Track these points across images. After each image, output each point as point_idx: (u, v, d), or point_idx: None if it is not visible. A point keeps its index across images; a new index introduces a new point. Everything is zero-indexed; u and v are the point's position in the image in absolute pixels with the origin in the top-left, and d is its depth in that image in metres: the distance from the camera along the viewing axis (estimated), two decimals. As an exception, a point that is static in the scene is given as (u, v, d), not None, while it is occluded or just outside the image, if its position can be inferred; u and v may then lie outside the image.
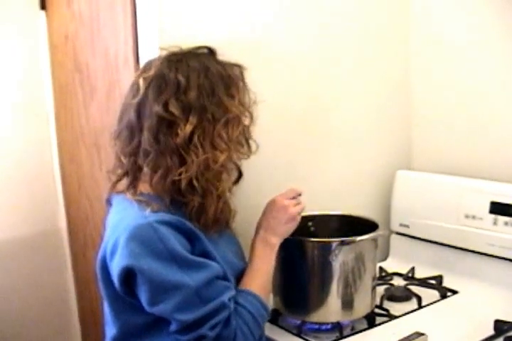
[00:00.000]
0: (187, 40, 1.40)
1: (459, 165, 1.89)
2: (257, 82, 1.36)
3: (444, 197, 1.82)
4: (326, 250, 1.42)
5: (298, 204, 1.39)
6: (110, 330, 1.30)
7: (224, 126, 1.22)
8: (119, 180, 1.29)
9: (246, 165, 1.42)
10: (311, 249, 1.45)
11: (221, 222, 1.29)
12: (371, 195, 2.00)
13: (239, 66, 1.30)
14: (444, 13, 1.89)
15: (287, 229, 1.37)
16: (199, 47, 1.31)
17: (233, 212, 1.35)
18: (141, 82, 1.22)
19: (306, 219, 1.62)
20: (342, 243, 1.41)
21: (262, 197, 1.43)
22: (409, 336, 1.34)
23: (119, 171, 1.28)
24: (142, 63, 1.55)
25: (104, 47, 1.75)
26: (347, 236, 1.43)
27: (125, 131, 1.24)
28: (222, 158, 1.21)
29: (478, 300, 1.63)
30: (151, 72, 1.22)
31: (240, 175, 1.39)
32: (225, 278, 1.22)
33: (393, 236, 1.98)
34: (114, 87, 1.72)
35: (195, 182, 1.19)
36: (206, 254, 1.21)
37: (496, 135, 1.82)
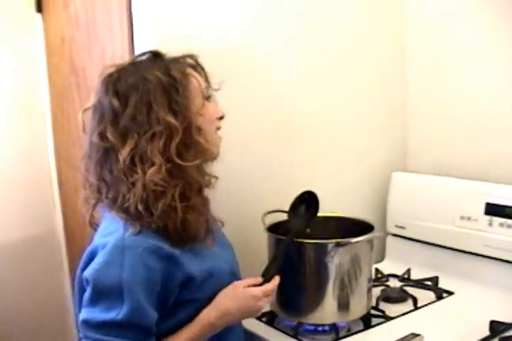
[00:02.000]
0: (183, 42, 1.41)
1: (455, 167, 1.90)
2: (251, 84, 1.36)
3: (440, 198, 1.82)
4: (322, 251, 1.42)
5: (267, 296, 1.29)
6: None
7: (166, 139, 1.15)
8: (94, 207, 1.27)
9: (241, 172, 1.42)
10: (307, 251, 1.45)
11: (193, 235, 1.22)
12: (367, 196, 2.00)
13: (189, 56, 1.27)
14: (441, 10, 1.90)
15: (243, 318, 1.34)
16: (141, 54, 1.28)
17: (211, 221, 1.30)
18: (80, 115, 1.24)
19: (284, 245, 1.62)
20: (338, 244, 1.41)
21: (259, 203, 1.44)
22: (405, 337, 1.34)
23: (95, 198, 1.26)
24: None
25: (100, 51, 1.75)
26: (343, 238, 1.44)
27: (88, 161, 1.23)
28: (156, 176, 1.14)
29: (474, 301, 1.63)
30: (92, 101, 1.21)
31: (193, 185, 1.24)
32: (148, 331, 1.15)
33: (389, 238, 1.99)
34: (111, 90, 1.72)
35: (139, 206, 1.14)
36: (188, 279, 1.20)
37: (492, 136, 1.83)
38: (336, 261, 1.42)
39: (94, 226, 1.31)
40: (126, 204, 1.16)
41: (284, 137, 1.77)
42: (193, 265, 1.21)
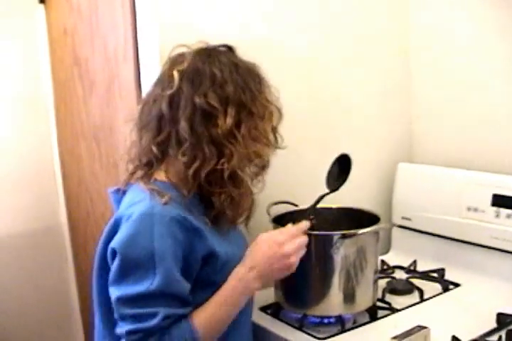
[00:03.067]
0: (187, 34, 1.40)
1: (461, 158, 1.88)
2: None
3: (446, 189, 1.81)
4: (327, 243, 1.41)
5: (300, 250, 1.28)
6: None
7: (261, 119, 1.25)
8: (138, 169, 1.29)
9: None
10: (312, 242, 1.42)
11: (244, 215, 1.31)
12: (372, 187, 1.99)
13: (256, 65, 1.32)
14: (445, 7, 1.88)
15: (277, 277, 1.31)
16: (219, 46, 1.31)
17: (255, 206, 1.34)
18: (175, 73, 1.22)
19: (307, 211, 1.62)
20: (344, 236, 1.40)
21: (263, 194, 1.43)
22: (411, 329, 1.33)
23: (143, 160, 1.28)
24: (142, 57, 1.56)
25: (103, 42, 1.74)
26: (348, 229, 1.43)
27: (154, 121, 1.24)
28: (265, 151, 1.26)
29: (481, 293, 1.62)
30: (185, 65, 1.23)
31: (267, 164, 1.36)
32: (184, 300, 1.16)
33: (395, 229, 1.97)
34: (114, 82, 1.71)
35: (240, 173, 1.22)
36: (211, 253, 1.20)
37: (498, 127, 1.81)
38: (342, 252, 1.41)
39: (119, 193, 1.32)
40: (216, 167, 1.19)
41: (288, 127, 1.75)
42: (216, 241, 1.22)
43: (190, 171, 1.20)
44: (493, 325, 1.41)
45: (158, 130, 1.24)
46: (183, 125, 1.20)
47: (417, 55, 1.99)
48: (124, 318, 1.13)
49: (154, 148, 1.24)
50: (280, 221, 1.51)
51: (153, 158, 1.25)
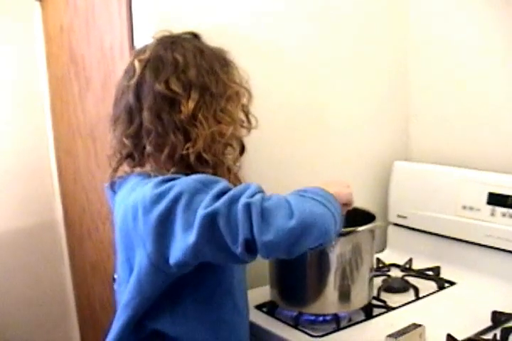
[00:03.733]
0: (183, 30, 1.39)
1: (457, 156, 1.89)
2: (257, 75, 1.36)
3: (442, 188, 1.81)
4: (323, 241, 1.41)
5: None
6: (126, 309, 1.24)
7: (224, 100, 1.24)
8: (120, 163, 1.29)
9: (243, 161, 1.42)
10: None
11: None
12: (368, 185, 1.99)
13: (225, 50, 1.31)
14: (443, 8, 1.88)
15: (342, 195, 1.24)
16: (184, 33, 1.32)
17: (242, 182, 1.31)
18: (136, 63, 1.22)
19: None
20: (339, 234, 1.39)
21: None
22: (406, 327, 1.33)
23: (121, 154, 1.27)
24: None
25: (99, 39, 1.74)
26: (344, 228, 1.42)
27: (124, 113, 1.24)
28: (228, 130, 1.23)
29: (476, 292, 1.62)
30: (147, 54, 1.23)
31: (243, 148, 1.34)
32: None
33: (390, 227, 1.98)
34: (110, 79, 1.71)
35: (204, 155, 1.20)
36: None
37: (494, 126, 1.81)
38: (338, 250, 1.41)
39: (114, 188, 1.31)
40: (182, 152, 1.18)
41: (284, 126, 1.75)
42: None
43: (162, 158, 1.20)
44: (489, 323, 1.41)
45: (128, 122, 1.23)
46: (146, 114, 1.19)
47: (414, 54, 1.99)
48: (231, 201, 1.04)
49: (127, 141, 1.24)
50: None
51: (130, 151, 1.25)
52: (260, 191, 1.08)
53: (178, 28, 1.44)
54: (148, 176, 1.21)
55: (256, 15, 1.66)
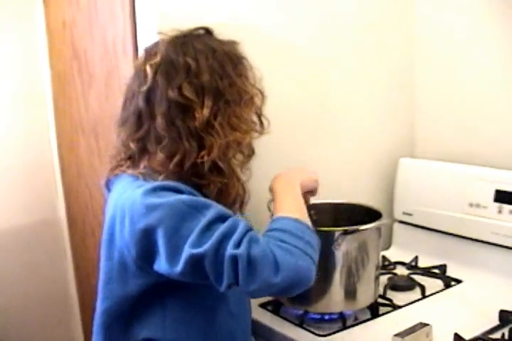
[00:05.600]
0: (186, 25, 1.37)
1: (463, 153, 1.87)
2: (264, 73, 1.34)
3: (448, 185, 1.80)
4: (328, 239, 1.39)
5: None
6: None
7: (240, 106, 1.21)
8: (120, 165, 1.27)
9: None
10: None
11: (237, 203, 1.27)
12: (374, 182, 1.98)
13: (237, 43, 1.28)
14: (449, 5, 1.87)
15: (306, 182, 1.35)
16: (196, 29, 1.28)
17: (248, 194, 1.30)
18: (148, 68, 1.19)
19: (308, 207, 1.60)
20: (345, 232, 1.38)
21: (264, 190, 1.41)
22: (413, 326, 1.32)
23: (122, 156, 1.27)
24: (141, 49, 1.53)
25: (102, 34, 1.72)
26: (350, 225, 1.41)
27: (133, 117, 1.22)
28: (245, 140, 1.22)
29: (483, 290, 1.61)
30: (158, 58, 1.19)
31: (252, 152, 1.33)
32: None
33: (396, 225, 1.96)
34: (113, 75, 1.70)
35: (220, 164, 1.19)
36: None
37: (501, 122, 1.80)
38: (343, 249, 1.40)
39: (108, 186, 1.31)
40: (196, 160, 1.17)
41: (290, 123, 1.74)
42: None
43: (171, 166, 1.18)
44: (496, 322, 1.40)
45: (137, 126, 1.22)
46: (160, 121, 1.17)
47: (420, 50, 1.97)
48: (215, 244, 1.05)
49: (132, 145, 1.22)
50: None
51: (133, 154, 1.24)
52: (248, 231, 1.08)
53: (181, 24, 1.43)
54: (138, 178, 1.19)
55: (261, 10, 1.65)
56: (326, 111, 1.83)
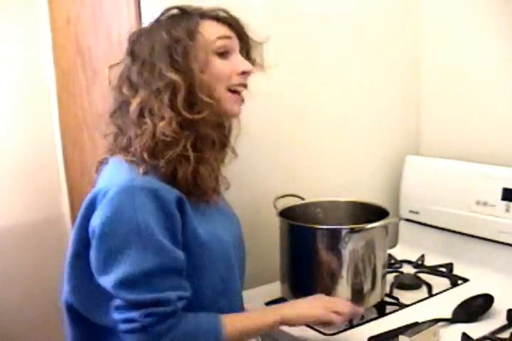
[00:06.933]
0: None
1: (469, 151, 1.86)
2: (271, 73, 1.34)
3: (455, 183, 1.78)
4: (335, 237, 1.38)
5: (347, 315, 1.30)
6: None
7: (171, 94, 1.18)
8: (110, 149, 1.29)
9: (253, 155, 1.41)
10: (319, 237, 1.41)
11: (202, 187, 1.22)
12: (380, 180, 1.97)
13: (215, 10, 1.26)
14: (455, 4, 1.85)
15: (309, 314, 1.27)
16: (167, 10, 1.26)
17: (219, 183, 1.31)
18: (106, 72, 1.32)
19: (314, 205, 1.60)
20: (352, 230, 1.37)
21: (270, 187, 1.41)
22: (420, 325, 1.31)
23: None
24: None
25: (106, 30, 1.71)
26: (356, 223, 1.40)
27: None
28: (170, 128, 1.17)
29: (490, 289, 1.59)
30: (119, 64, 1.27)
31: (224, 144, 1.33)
32: (182, 275, 1.14)
33: (402, 223, 1.95)
34: (118, 71, 1.68)
35: (145, 154, 1.17)
36: (193, 234, 1.17)
37: (508, 120, 1.78)
38: (350, 247, 1.39)
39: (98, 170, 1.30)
40: (132, 149, 1.18)
41: (296, 120, 1.73)
42: (197, 220, 1.19)
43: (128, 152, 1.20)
44: (504, 321, 1.39)
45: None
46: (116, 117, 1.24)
47: (425, 48, 1.96)
48: (130, 303, 1.08)
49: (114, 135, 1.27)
50: (287, 214, 1.49)
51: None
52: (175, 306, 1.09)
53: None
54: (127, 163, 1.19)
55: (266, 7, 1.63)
56: (331, 110, 1.82)
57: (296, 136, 1.74)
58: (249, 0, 1.60)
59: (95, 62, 1.82)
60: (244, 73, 1.25)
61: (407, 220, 1.93)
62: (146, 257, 1.08)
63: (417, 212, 1.89)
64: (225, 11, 1.27)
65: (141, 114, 1.18)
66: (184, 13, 1.25)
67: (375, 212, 1.50)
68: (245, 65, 1.25)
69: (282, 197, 1.55)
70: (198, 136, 1.20)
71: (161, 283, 1.09)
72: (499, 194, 1.67)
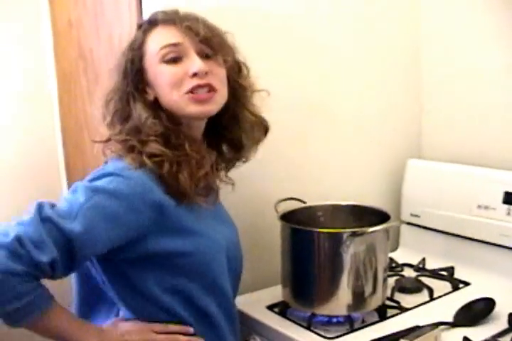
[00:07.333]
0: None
1: (471, 154, 1.85)
2: (264, 74, 1.33)
3: (457, 186, 1.78)
4: (336, 241, 1.38)
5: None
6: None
7: (126, 101, 1.27)
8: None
9: (254, 158, 1.41)
10: (321, 240, 1.41)
11: (184, 190, 1.20)
12: (381, 184, 1.96)
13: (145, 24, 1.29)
14: (457, 5, 1.85)
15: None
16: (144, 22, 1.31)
17: (211, 187, 1.33)
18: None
19: (315, 209, 1.59)
20: (353, 234, 1.37)
21: (271, 190, 1.41)
22: (421, 329, 1.31)
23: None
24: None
25: (108, 33, 1.71)
26: (358, 227, 1.40)
27: None
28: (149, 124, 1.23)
29: (491, 293, 1.58)
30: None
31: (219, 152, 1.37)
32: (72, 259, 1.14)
33: (403, 226, 1.94)
34: (119, 74, 1.68)
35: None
36: (180, 228, 1.20)
37: (509, 124, 1.78)
38: (351, 250, 1.38)
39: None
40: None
41: (297, 123, 1.73)
42: (184, 218, 1.21)
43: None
44: (505, 325, 1.38)
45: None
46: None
47: (427, 50, 1.96)
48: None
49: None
50: (288, 218, 1.49)
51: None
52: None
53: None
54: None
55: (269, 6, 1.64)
56: (332, 114, 1.81)
57: (298, 140, 1.73)
58: None
59: (97, 65, 1.82)
60: (196, 74, 1.21)
61: (409, 224, 1.92)
62: (75, 223, 1.14)
63: (418, 216, 1.88)
64: (176, 12, 1.27)
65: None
66: (139, 27, 1.30)
67: (377, 216, 1.50)
68: (195, 67, 1.21)
69: (283, 200, 1.55)
70: (173, 133, 1.23)
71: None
72: (500, 197, 1.67)
